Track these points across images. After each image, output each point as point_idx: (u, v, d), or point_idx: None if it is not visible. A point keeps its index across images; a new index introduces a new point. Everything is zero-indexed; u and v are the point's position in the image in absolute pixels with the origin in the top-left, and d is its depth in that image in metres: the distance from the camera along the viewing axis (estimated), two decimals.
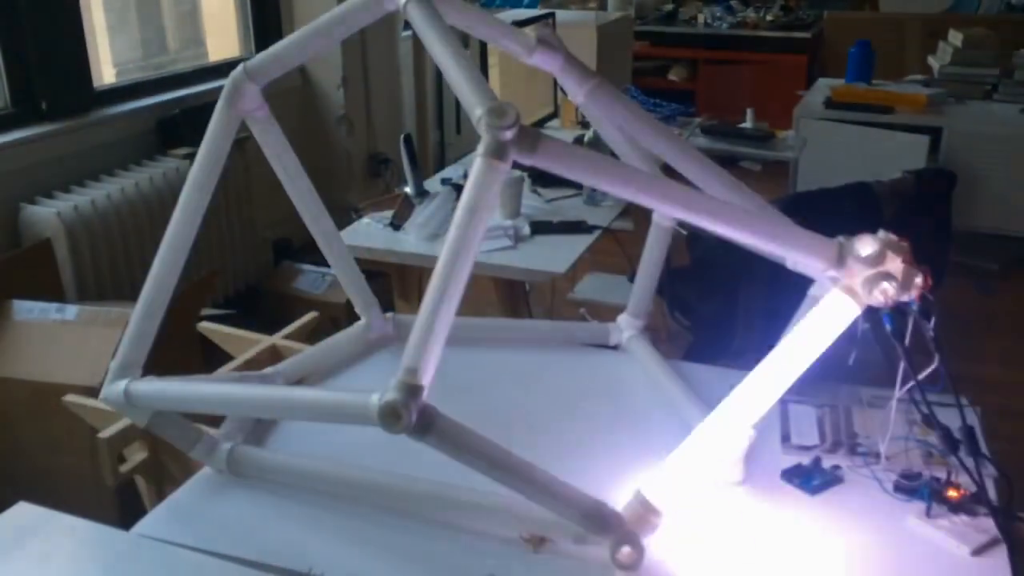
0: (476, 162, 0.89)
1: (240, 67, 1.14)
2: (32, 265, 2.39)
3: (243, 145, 3.01)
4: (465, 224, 0.88)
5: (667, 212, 1.27)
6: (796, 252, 0.99)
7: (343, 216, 2.46)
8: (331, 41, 1.15)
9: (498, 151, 0.88)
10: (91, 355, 1.98)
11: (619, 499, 0.95)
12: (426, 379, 0.86)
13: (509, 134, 0.87)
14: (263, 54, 1.14)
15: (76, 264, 2.49)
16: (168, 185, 2.78)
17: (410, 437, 0.86)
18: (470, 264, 0.89)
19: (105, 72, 3.22)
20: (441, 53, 0.97)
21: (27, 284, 2.29)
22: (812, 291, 1.09)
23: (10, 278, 2.29)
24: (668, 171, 1.19)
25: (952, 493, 1.05)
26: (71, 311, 2.11)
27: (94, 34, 3.10)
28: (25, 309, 2.15)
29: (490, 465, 0.90)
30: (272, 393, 0.97)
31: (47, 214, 2.46)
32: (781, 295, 1.19)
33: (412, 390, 0.85)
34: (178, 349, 2.08)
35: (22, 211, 2.50)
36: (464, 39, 1.82)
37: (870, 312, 0.97)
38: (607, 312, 1.46)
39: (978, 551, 0.98)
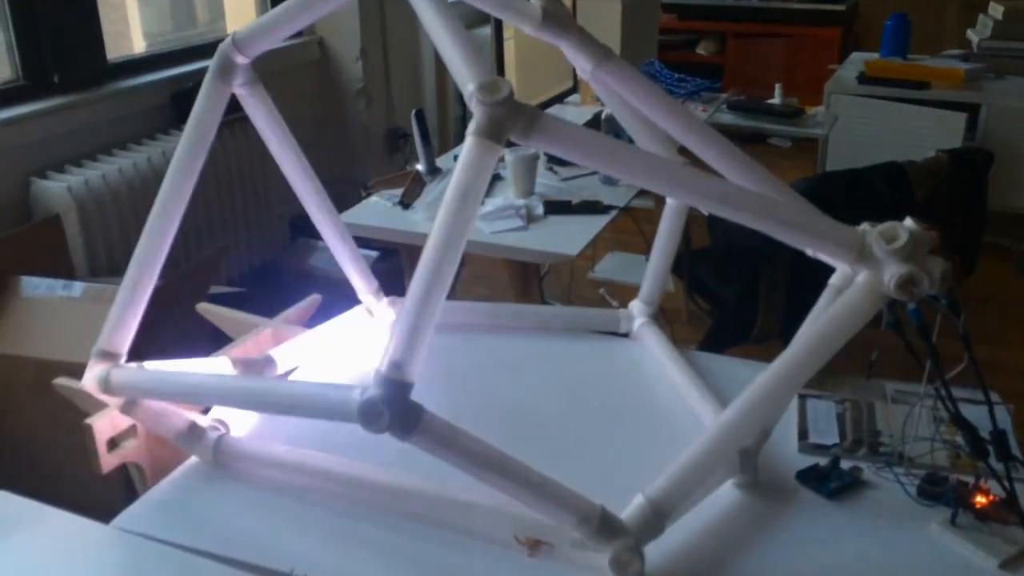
0: (467, 141, 0.83)
1: (228, 38, 1.08)
2: (42, 240, 2.36)
3: None
4: (455, 209, 0.82)
5: (675, 198, 1.21)
6: (815, 241, 0.92)
7: (356, 193, 2.41)
8: (324, 10, 1.09)
9: (490, 130, 0.81)
10: (95, 333, 1.95)
11: (621, 502, 0.89)
12: (412, 374, 0.81)
13: (502, 112, 0.81)
14: (252, 24, 1.09)
15: (87, 240, 2.46)
16: None
17: (393, 436, 0.81)
18: (459, 252, 0.83)
19: (136, 44, 3.20)
20: (433, 24, 0.90)
21: (37, 260, 2.27)
22: (833, 280, 1.02)
23: (20, 254, 2.26)
24: (686, 151, 1.12)
25: (980, 499, 0.98)
26: (77, 288, 2.08)
27: (124, 5, 3.08)
28: (32, 285, 2.12)
29: (479, 467, 0.84)
30: (253, 385, 0.92)
31: (58, 189, 2.43)
32: (805, 280, 1.13)
33: (395, 386, 0.80)
34: (185, 330, 2.05)
35: (33, 185, 2.47)
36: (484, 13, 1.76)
37: (894, 305, 0.90)
38: (627, 292, 1.40)
39: (1007, 563, 0.92)
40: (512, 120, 0.82)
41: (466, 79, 0.84)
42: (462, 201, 0.82)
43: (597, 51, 1.05)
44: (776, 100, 3.16)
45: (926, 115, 3.48)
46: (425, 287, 0.82)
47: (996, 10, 3.86)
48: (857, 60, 4.03)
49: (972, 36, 4.02)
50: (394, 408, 0.79)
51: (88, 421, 1.25)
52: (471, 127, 0.82)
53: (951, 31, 4.91)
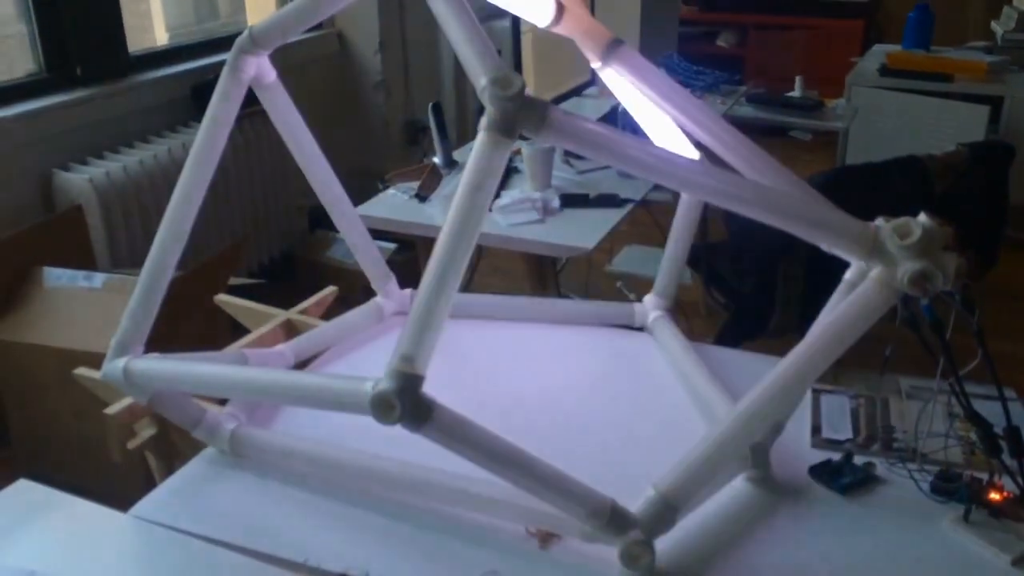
0: (479, 136, 0.83)
1: (245, 32, 1.09)
2: (64, 232, 2.39)
3: None
4: (466, 203, 0.83)
5: (687, 193, 1.20)
6: (828, 237, 0.91)
7: (373, 185, 2.42)
8: (342, 3, 1.09)
9: (502, 125, 0.82)
10: (116, 324, 1.98)
11: (632, 495, 0.89)
12: (423, 367, 0.81)
13: (514, 106, 0.81)
14: (269, 18, 1.09)
15: (108, 231, 2.49)
16: None
17: (405, 428, 0.82)
18: (471, 246, 0.84)
19: (158, 37, 3.23)
20: (445, 15, 0.90)
21: (59, 251, 2.30)
22: (848, 275, 1.02)
23: (42, 245, 2.29)
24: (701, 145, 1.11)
25: (994, 496, 0.97)
26: (98, 279, 2.11)
27: None
28: (54, 276, 2.15)
29: (490, 459, 0.85)
30: (268, 377, 0.93)
31: (79, 180, 2.46)
32: (822, 274, 1.12)
33: (407, 379, 0.80)
34: (205, 320, 2.07)
35: (55, 177, 2.50)
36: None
37: (908, 301, 0.89)
38: (645, 285, 1.40)
39: (1020, 561, 0.91)
40: (524, 115, 0.82)
41: (478, 73, 0.84)
42: (474, 195, 0.83)
43: (608, 44, 1.04)
44: (796, 93, 3.14)
45: (948, 108, 3.45)
46: (437, 280, 0.82)
47: (1021, 2, 3.81)
48: (879, 52, 4.00)
49: (996, 28, 3.97)
50: (406, 401, 0.80)
51: (107, 411, 1.27)
52: (483, 122, 0.83)
53: (975, 23, 4.85)
